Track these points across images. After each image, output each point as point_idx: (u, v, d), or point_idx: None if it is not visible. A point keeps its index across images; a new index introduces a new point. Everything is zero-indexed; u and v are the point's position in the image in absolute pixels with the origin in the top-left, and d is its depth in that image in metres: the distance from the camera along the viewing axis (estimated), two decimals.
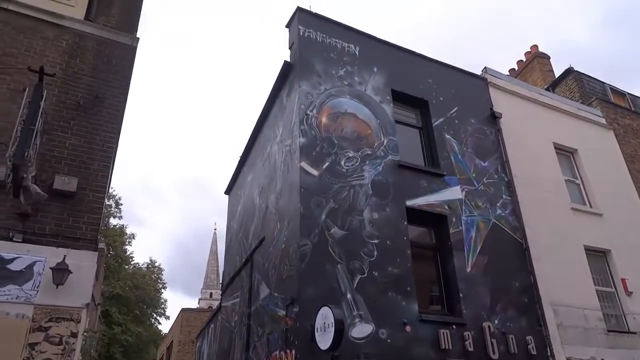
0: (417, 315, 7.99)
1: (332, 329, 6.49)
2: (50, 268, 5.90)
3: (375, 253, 8.22)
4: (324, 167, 8.63)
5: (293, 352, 7.27)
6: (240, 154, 13.37)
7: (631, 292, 10.66)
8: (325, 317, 6.75)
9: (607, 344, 9.74)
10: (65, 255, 6.03)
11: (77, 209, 6.61)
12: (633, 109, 15.80)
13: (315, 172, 8.52)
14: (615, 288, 10.85)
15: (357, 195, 8.65)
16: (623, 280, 10.77)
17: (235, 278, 12.18)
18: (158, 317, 37.33)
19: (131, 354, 32.18)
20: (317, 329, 6.89)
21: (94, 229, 6.60)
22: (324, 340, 6.67)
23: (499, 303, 8.93)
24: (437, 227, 9.48)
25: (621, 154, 13.38)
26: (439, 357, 7.84)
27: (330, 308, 6.70)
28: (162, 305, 37.54)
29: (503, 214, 10.11)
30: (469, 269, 9.02)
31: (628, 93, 16.69)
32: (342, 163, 8.84)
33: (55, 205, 6.52)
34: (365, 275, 7.95)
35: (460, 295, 8.67)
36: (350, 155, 9.01)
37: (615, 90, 16.32)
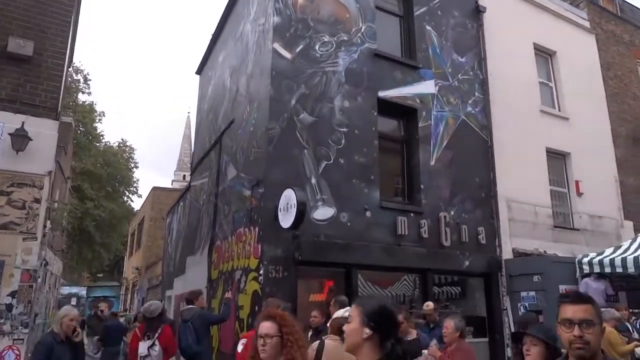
0: (378, 203, 8.33)
1: (294, 210, 6.74)
2: (9, 134, 5.78)
3: (343, 141, 8.30)
4: (298, 50, 8.34)
5: (256, 229, 7.60)
6: (213, 32, 12.72)
7: (582, 194, 11.28)
8: (288, 198, 6.97)
9: (551, 238, 10.50)
10: (23, 122, 5.88)
11: (35, 74, 6.33)
12: (619, 14, 15.45)
13: (288, 55, 8.24)
14: (568, 189, 11.44)
15: (329, 82, 8.50)
16: (577, 182, 11.33)
17: (204, 159, 12.27)
18: (130, 195, 37.96)
19: (104, 228, 33.17)
20: (280, 209, 7.15)
21: (54, 97, 6.38)
22: (285, 220, 6.96)
23: (457, 196, 9.35)
24: (406, 120, 9.54)
25: (598, 60, 13.33)
26: (395, 242, 8.35)
27: (293, 190, 6.90)
28: (135, 184, 38.03)
29: (473, 112, 10.19)
30: (432, 162, 9.27)
31: None
32: (317, 47, 8.54)
33: (11, 69, 6.22)
34: (332, 161, 8.09)
35: (422, 186, 9.00)
36: (326, 40, 8.69)
37: None
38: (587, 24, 13.53)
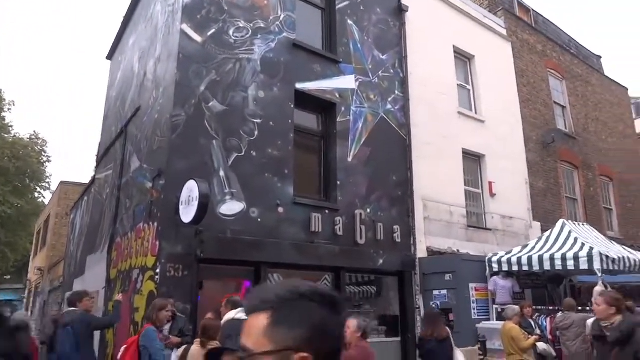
0: (291, 198, 7.98)
1: (196, 203, 6.21)
2: None
3: (256, 133, 7.88)
4: (209, 34, 7.81)
5: (155, 224, 6.98)
6: (125, 13, 11.81)
7: (495, 195, 11.60)
8: (190, 191, 6.43)
9: (465, 237, 10.67)
10: None
11: None
12: (534, 25, 16.22)
13: (198, 38, 7.69)
14: (482, 189, 11.72)
15: (243, 70, 8.03)
16: (490, 183, 11.62)
17: (110, 150, 11.34)
18: (42, 191, 35.21)
19: (11, 226, 30.53)
20: (181, 202, 6.59)
21: None
22: (186, 214, 6.41)
23: (374, 193, 9.20)
24: (325, 114, 9.27)
25: (513, 67, 13.84)
26: (309, 239, 8.03)
27: (196, 181, 6.37)
28: (47, 179, 35.33)
29: (392, 110, 10.12)
30: (350, 159, 9.06)
31: (533, 9, 17.02)
32: (231, 33, 8.05)
33: None
34: (243, 154, 7.64)
35: (338, 182, 8.76)
36: (241, 25, 8.22)
37: (521, 4, 16.54)
38: (504, 32, 14.02)
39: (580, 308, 8.06)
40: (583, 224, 9.87)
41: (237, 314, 4.36)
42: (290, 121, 8.39)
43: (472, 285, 8.97)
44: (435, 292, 9.10)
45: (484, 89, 12.54)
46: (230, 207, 7.28)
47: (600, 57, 20.41)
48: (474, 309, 8.87)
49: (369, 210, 9.00)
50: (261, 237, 7.43)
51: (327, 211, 8.39)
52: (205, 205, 6.20)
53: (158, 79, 8.34)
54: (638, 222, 16.59)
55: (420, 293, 9.33)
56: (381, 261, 8.79)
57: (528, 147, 13.16)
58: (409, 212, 9.69)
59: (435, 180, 10.33)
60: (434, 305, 8.92)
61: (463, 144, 11.39)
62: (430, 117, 10.75)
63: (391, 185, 9.57)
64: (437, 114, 10.97)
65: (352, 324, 4.93)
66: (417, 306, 9.20)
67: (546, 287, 10.37)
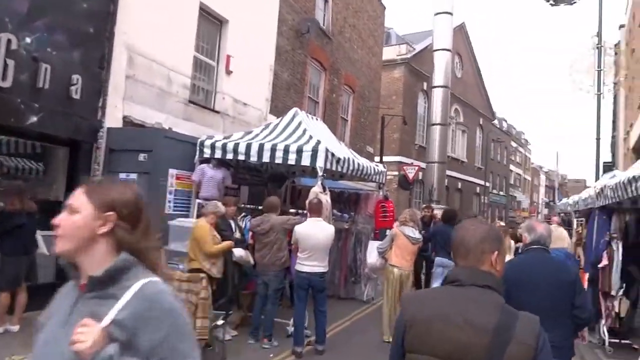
0: None
1: None
2: None
3: None
4: None
5: None
6: None
7: (231, 72, 9.53)
8: None
9: (183, 115, 8.40)
10: None
11: None
12: None
13: None
14: (218, 63, 9.50)
15: None
16: (228, 57, 9.46)
17: None
18: None
19: None
20: None
21: None
22: None
23: (44, 16, 5.93)
24: None
25: None
26: None
27: None
28: None
29: None
30: None
31: None
32: None
33: None
34: None
35: None
36: None
37: None
38: None
39: (297, 211, 6.85)
40: (317, 119, 8.69)
41: None
42: None
43: (172, 171, 6.86)
44: (123, 176, 6.64)
45: None
46: None
47: None
48: (169, 201, 6.84)
49: (28, 40, 5.75)
50: None
51: None
52: None
53: None
54: (366, 138, 17.24)
55: (104, 175, 6.77)
56: (35, 119, 5.79)
57: (280, 29, 11.40)
58: (102, 61, 6.78)
59: (155, 31, 7.56)
60: None
61: None
62: None
63: (78, 13, 6.41)
64: None
65: None
66: None
67: (266, 186, 9.10)
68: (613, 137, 24.26)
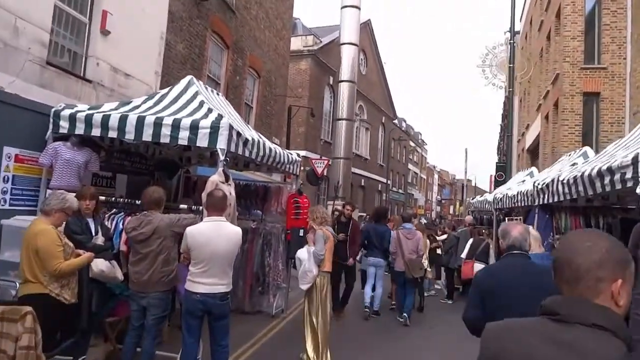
0: None
1: None
2: None
3: None
4: None
5: None
6: None
7: (108, 32, 7.55)
8: None
9: (39, 80, 6.30)
10: None
11: None
12: None
13: None
14: (91, 20, 7.47)
15: None
16: (105, 12, 7.48)
17: None
18: None
19: None
20: None
21: None
22: None
23: None
24: None
25: None
26: None
27: None
28: None
29: None
30: None
31: None
32: None
33: None
34: None
35: None
36: None
37: None
38: None
39: (191, 207, 5.25)
40: (218, 94, 7.07)
41: None
42: None
43: (10, 150, 4.91)
44: None
45: None
46: None
47: None
48: (5, 191, 4.87)
49: None
50: None
51: None
52: None
53: None
54: (272, 128, 15.81)
55: None
56: None
57: None
58: None
59: None
60: None
61: None
62: None
63: None
64: None
65: None
66: None
67: (152, 176, 7.32)
68: (508, 136, 25.37)
